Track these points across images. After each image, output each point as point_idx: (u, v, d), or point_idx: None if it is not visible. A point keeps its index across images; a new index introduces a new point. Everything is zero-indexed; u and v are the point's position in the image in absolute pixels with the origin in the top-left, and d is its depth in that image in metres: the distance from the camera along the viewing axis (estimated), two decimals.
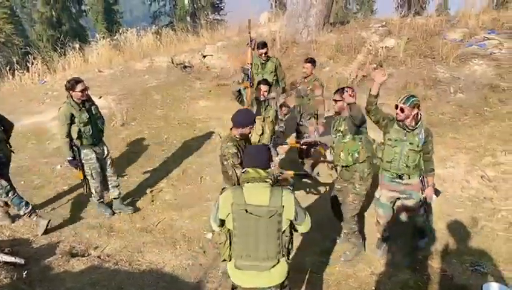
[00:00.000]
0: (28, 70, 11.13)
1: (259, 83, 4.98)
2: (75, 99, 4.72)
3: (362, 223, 4.85)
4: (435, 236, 4.66)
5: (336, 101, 4.14)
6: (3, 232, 4.70)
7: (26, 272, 3.90)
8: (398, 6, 19.63)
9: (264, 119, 4.82)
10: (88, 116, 4.76)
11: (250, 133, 3.84)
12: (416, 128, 3.88)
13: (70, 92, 4.73)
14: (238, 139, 3.71)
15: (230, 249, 2.73)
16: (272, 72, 6.07)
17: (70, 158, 4.81)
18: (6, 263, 3.95)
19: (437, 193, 4.58)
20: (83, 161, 4.86)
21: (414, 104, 3.77)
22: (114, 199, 5.22)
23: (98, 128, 4.93)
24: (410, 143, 3.89)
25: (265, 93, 4.89)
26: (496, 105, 6.97)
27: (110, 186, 5.16)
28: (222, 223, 2.75)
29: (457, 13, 10.65)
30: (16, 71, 10.95)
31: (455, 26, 9.64)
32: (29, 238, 4.60)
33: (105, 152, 5.04)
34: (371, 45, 9.32)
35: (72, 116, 4.69)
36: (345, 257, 4.40)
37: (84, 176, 4.95)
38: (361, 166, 4.03)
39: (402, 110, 3.80)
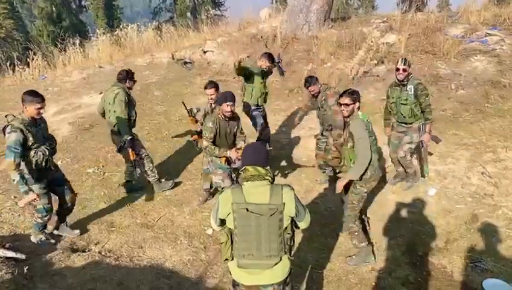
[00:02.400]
0: (28, 66, 11.13)
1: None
2: (127, 87, 5.25)
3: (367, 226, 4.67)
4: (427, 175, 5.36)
5: (346, 105, 3.87)
6: (4, 227, 4.71)
7: (27, 267, 3.90)
8: (399, 2, 19.60)
9: None
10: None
11: (230, 111, 4.42)
12: (406, 84, 4.92)
13: (125, 81, 5.25)
14: (222, 118, 4.45)
15: (232, 248, 2.71)
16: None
17: (131, 137, 5.15)
18: (7, 258, 3.97)
19: (436, 139, 5.28)
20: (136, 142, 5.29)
21: (408, 62, 4.94)
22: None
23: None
24: (403, 98, 4.98)
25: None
26: (497, 101, 6.95)
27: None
28: (222, 223, 2.74)
29: (459, 9, 10.60)
30: (16, 67, 10.95)
31: (456, 22, 9.61)
32: (30, 234, 4.61)
33: None
34: (372, 41, 9.28)
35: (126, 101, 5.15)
36: (350, 260, 4.32)
37: (135, 159, 5.21)
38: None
39: (404, 70, 4.86)
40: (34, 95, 3.90)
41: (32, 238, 4.42)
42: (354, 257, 4.32)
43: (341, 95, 3.96)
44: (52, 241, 4.47)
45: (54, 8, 25.30)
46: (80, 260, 4.18)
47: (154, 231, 4.83)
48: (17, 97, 9.02)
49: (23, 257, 4.07)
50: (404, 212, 5.08)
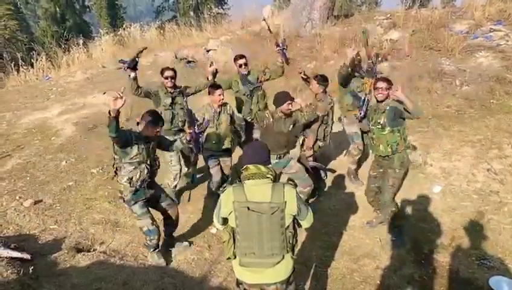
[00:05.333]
0: (32, 67, 11.20)
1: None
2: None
3: None
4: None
5: (382, 89, 4.08)
6: (9, 228, 4.73)
7: (32, 267, 3.91)
8: None
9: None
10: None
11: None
12: None
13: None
14: (280, 116, 4.52)
15: (234, 247, 2.71)
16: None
17: None
18: (12, 258, 3.98)
19: None
20: None
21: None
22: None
23: None
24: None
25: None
26: (502, 97, 6.89)
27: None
28: (225, 221, 2.74)
29: (463, 4, 10.50)
30: (20, 67, 11.01)
31: (461, 18, 9.53)
32: (35, 234, 4.63)
33: None
34: (375, 38, 9.23)
35: None
36: (370, 223, 4.78)
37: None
38: (400, 154, 4.19)
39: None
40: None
41: (149, 257, 4.33)
42: (374, 220, 4.69)
43: (377, 80, 4.17)
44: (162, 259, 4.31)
45: (57, 9, 25.36)
46: (84, 260, 4.19)
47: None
48: (21, 98, 9.12)
49: (28, 257, 4.08)
50: (409, 210, 5.06)
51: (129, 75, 4.84)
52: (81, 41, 12.09)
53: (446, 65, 8.03)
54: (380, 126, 4.16)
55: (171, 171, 5.27)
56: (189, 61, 10.60)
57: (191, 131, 4.15)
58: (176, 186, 5.39)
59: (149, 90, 5.08)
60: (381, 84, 4.10)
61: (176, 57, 10.77)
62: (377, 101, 4.21)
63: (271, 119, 4.53)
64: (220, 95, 4.85)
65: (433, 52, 8.54)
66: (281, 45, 5.55)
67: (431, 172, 5.67)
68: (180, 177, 5.38)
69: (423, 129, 6.45)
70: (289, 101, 4.43)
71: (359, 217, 5.01)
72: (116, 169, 3.93)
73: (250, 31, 11.16)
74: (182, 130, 5.22)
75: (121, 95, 3.38)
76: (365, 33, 5.67)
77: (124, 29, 12.78)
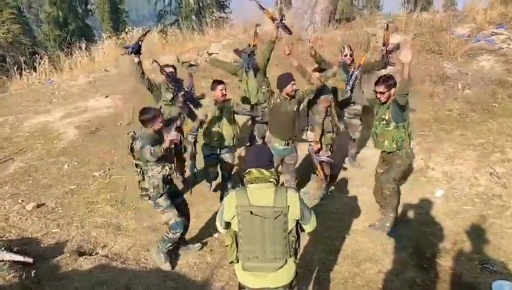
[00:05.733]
0: (35, 70, 11.22)
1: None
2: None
3: None
4: None
5: (382, 93, 4.14)
6: (12, 231, 4.74)
7: (34, 271, 3.92)
8: (404, 2, 19.49)
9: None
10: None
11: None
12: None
13: None
14: (285, 97, 4.65)
15: (237, 251, 2.70)
16: None
17: None
18: (15, 262, 3.98)
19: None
20: None
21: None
22: None
23: None
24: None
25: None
26: (504, 101, 6.89)
27: None
28: (228, 225, 2.73)
29: (465, 8, 10.53)
30: (23, 71, 11.04)
31: (463, 22, 9.55)
32: (37, 238, 4.64)
33: None
34: (377, 41, 9.24)
35: None
36: (373, 225, 4.72)
37: None
38: (405, 149, 4.28)
39: (351, 55, 5.40)
40: None
41: (152, 251, 4.34)
42: (377, 223, 4.62)
43: (376, 83, 4.18)
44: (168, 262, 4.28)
45: (60, 13, 25.46)
46: (86, 264, 4.20)
47: (160, 234, 4.82)
48: (24, 101, 9.14)
49: (30, 260, 4.09)
50: (411, 214, 5.05)
51: (133, 60, 4.88)
52: (83, 45, 12.11)
53: (448, 69, 8.03)
54: (384, 122, 4.21)
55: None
56: (191, 65, 10.60)
57: (182, 93, 4.53)
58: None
59: (153, 82, 5.16)
60: (380, 88, 4.13)
61: (178, 61, 10.78)
62: (381, 103, 4.25)
63: (278, 100, 4.68)
64: (221, 90, 4.88)
65: (435, 55, 8.55)
66: (278, 19, 5.49)
67: (433, 176, 5.66)
68: None
69: (425, 133, 6.45)
70: (293, 82, 4.55)
71: (362, 220, 4.99)
72: (143, 173, 3.92)
73: (252, 35, 11.17)
74: (180, 127, 5.25)
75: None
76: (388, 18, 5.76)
77: (126, 33, 12.80)
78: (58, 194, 5.57)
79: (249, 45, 5.81)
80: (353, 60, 5.48)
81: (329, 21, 10.46)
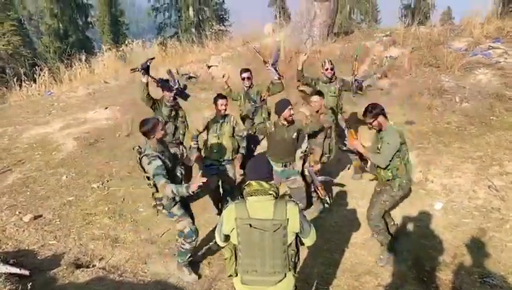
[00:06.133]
0: (35, 82, 11.27)
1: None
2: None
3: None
4: None
5: (370, 123, 4.10)
6: (8, 243, 4.71)
7: (31, 283, 3.87)
8: (402, 16, 19.68)
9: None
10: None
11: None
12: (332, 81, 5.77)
13: None
14: (282, 124, 4.70)
15: (236, 264, 2.69)
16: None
17: None
18: (11, 274, 3.95)
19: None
20: None
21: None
22: None
23: None
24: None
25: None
26: (502, 114, 6.92)
27: None
28: (227, 238, 2.72)
29: (462, 22, 10.64)
30: (23, 82, 11.08)
31: (460, 36, 9.64)
32: (34, 250, 4.60)
33: None
34: (375, 55, 9.32)
35: None
36: (380, 261, 4.46)
37: None
38: (400, 179, 4.14)
39: (332, 69, 5.71)
40: None
41: (179, 274, 4.28)
42: (381, 257, 4.48)
43: (363, 115, 4.15)
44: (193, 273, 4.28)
45: (60, 25, 25.70)
46: (83, 276, 4.16)
47: (158, 247, 4.81)
48: (23, 113, 9.15)
49: (26, 273, 4.05)
50: (410, 226, 5.03)
51: (141, 80, 4.98)
52: (83, 57, 12.19)
53: (446, 82, 8.08)
54: (378, 151, 4.11)
55: None
56: (190, 77, 10.68)
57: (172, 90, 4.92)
58: None
59: (156, 99, 5.17)
60: (367, 120, 4.08)
61: (178, 73, 10.85)
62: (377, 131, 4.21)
63: (273, 128, 4.72)
64: (222, 105, 4.94)
65: (432, 69, 8.61)
66: (273, 59, 5.66)
67: (432, 188, 5.66)
68: None
69: (423, 145, 6.47)
70: (290, 107, 4.59)
71: (361, 233, 4.98)
72: (155, 185, 3.87)
73: (251, 48, 11.27)
74: (182, 143, 5.38)
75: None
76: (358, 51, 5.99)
77: (126, 45, 12.91)
78: (56, 206, 5.55)
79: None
80: (334, 73, 5.77)
81: (328, 34, 10.55)
